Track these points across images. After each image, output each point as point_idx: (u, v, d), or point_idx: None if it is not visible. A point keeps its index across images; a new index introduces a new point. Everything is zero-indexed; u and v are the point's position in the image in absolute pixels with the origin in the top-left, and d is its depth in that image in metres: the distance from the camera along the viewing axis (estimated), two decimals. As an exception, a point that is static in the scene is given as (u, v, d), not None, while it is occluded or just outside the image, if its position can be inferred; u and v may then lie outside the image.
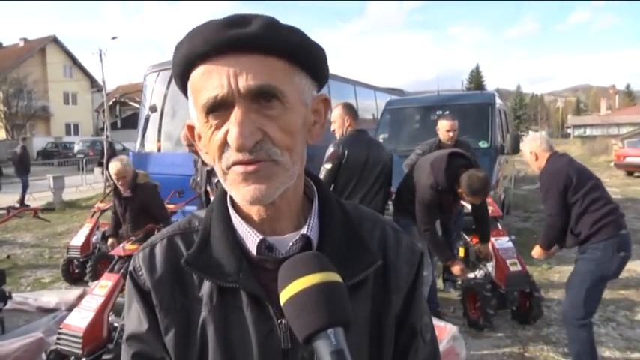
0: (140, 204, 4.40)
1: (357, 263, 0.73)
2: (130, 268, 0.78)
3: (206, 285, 0.73)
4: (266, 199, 0.66)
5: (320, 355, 0.57)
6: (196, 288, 0.73)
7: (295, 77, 0.67)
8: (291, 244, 0.72)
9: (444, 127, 4.69)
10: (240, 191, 0.66)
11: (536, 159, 3.30)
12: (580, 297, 3.03)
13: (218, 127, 0.65)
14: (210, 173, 4.34)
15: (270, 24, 0.65)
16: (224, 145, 0.65)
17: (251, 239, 0.72)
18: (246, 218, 0.74)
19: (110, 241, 4.82)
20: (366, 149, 3.62)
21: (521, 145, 3.70)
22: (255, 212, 0.72)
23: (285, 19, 0.68)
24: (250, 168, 0.64)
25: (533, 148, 3.30)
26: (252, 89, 0.63)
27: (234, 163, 0.65)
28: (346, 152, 3.55)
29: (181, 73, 0.68)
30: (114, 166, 4.29)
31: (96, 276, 5.70)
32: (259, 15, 0.66)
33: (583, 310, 3.03)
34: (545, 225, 3.33)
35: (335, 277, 0.61)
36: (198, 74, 0.65)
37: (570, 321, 3.10)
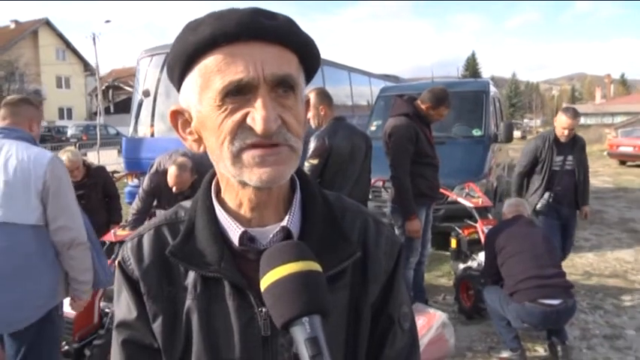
0: (102, 186, 4.44)
1: (337, 255, 0.75)
2: (119, 258, 0.81)
3: (191, 274, 0.75)
4: (279, 180, 0.68)
5: (296, 342, 0.59)
6: (182, 277, 0.76)
7: (301, 74, 0.71)
8: (271, 236, 0.74)
9: (561, 125, 4.27)
10: (254, 173, 0.67)
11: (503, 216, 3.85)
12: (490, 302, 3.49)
13: (234, 111, 0.66)
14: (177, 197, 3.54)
15: (292, 21, 0.70)
16: (239, 127, 0.66)
17: (233, 231, 0.74)
18: (229, 210, 0.76)
19: None
20: (349, 139, 3.48)
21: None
22: (247, 199, 0.73)
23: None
24: (270, 151, 0.66)
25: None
26: (277, 78, 0.66)
27: (253, 146, 0.66)
28: (332, 145, 3.37)
29: (194, 53, 0.67)
30: (65, 158, 3.94)
31: None
32: (279, 13, 0.70)
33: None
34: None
35: (314, 265, 0.64)
36: (217, 57, 0.66)
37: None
